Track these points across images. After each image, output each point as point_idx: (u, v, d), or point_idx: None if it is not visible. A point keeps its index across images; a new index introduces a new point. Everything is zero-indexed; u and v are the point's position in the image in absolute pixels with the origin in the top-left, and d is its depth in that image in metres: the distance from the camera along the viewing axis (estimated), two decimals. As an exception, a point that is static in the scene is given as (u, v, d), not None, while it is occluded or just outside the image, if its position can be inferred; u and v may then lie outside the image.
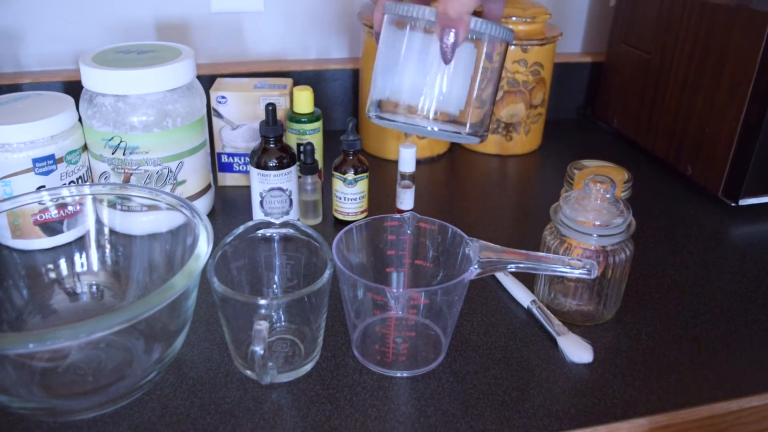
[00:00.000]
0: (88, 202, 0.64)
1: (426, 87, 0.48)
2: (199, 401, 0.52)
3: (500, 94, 0.95)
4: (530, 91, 0.95)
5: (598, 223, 0.57)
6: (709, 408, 0.54)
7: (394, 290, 0.56)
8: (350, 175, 0.74)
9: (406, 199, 0.77)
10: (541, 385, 0.55)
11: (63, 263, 0.63)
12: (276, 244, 0.59)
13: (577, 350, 0.57)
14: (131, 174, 0.70)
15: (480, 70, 0.49)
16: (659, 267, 0.72)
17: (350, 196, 0.75)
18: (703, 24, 0.83)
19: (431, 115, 0.48)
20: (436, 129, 0.49)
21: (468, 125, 0.50)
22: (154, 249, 0.62)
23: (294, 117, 0.80)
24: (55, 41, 0.93)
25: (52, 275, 0.62)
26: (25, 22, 0.91)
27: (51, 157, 0.67)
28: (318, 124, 0.80)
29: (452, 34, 0.45)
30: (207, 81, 0.92)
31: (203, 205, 0.77)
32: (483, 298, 0.66)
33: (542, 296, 0.64)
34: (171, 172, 0.71)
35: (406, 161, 0.74)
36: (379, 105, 0.50)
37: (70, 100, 0.71)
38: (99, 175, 0.71)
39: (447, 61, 0.46)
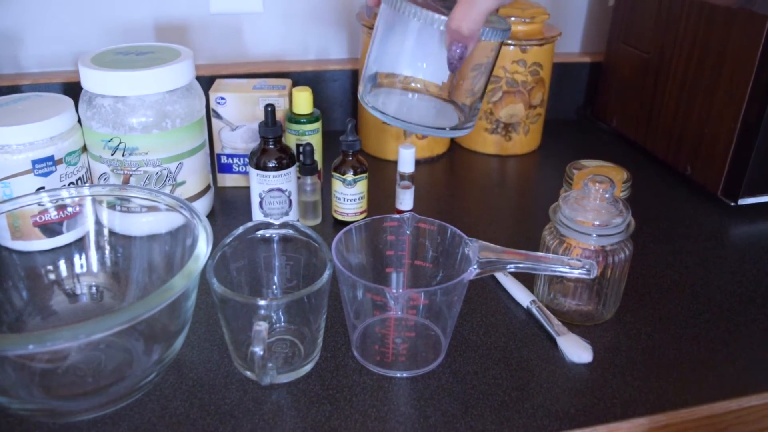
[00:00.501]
0: (88, 203, 0.64)
1: (420, 67, 0.49)
2: (198, 402, 0.52)
3: (499, 94, 0.95)
4: (529, 92, 0.95)
5: (597, 222, 0.57)
6: (709, 407, 0.54)
7: (394, 291, 0.56)
8: (349, 176, 0.74)
9: (405, 200, 0.77)
10: (541, 385, 0.55)
11: (62, 264, 0.63)
12: (275, 245, 0.59)
13: (576, 350, 0.57)
14: (130, 175, 0.70)
15: (472, 65, 0.49)
16: (658, 267, 0.72)
17: (349, 196, 0.75)
18: (702, 24, 0.83)
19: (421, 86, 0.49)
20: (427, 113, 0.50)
21: (457, 107, 0.51)
22: (153, 250, 0.62)
23: (293, 118, 0.80)
24: (54, 43, 0.93)
25: (52, 276, 0.63)
26: (24, 23, 0.91)
27: (50, 158, 0.67)
28: (317, 125, 0.80)
29: (462, 49, 0.46)
30: (206, 82, 0.92)
31: (202, 206, 0.77)
32: (483, 298, 0.66)
33: (542, 296, 0.64)
34: (170, 173, 0.71)
35: (406, 162, 0.74)
36: (371, 90, 0.51)
37: (70, 101, 0.71)
38: (98, 177, 0.71)
39: (453, 71, 0.47)
